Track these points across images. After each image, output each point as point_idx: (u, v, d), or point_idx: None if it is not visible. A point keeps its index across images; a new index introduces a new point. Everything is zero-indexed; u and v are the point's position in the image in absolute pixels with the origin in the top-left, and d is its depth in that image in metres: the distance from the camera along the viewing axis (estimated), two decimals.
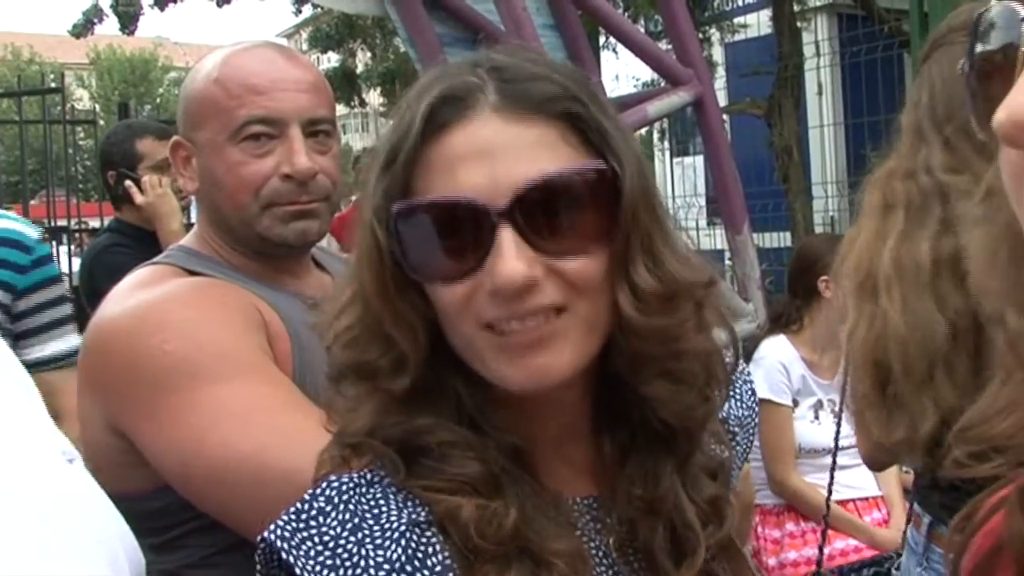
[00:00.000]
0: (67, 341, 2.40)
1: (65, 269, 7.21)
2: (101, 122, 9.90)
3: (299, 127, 1.41)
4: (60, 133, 7.89)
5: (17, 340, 2.35)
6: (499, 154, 0.82)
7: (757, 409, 1.20)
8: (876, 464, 1.92)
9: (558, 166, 0.83)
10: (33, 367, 2.26)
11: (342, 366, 0.89)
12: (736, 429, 1.11)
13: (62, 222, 7.86)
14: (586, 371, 0.88)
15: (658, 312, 0.85)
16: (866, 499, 3.38)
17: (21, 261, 2.35)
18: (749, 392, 1.17)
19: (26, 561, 0.70)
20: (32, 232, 2.43)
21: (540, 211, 0.82)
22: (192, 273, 1.42)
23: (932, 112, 1.67)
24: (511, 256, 0.80)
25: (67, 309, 2.48)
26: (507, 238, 0.81)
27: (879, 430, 1.65)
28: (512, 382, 0.84)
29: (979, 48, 0.55)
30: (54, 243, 7.30)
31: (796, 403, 3.42)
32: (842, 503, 3.33)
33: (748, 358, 3.63)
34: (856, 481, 3.35)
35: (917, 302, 1.58)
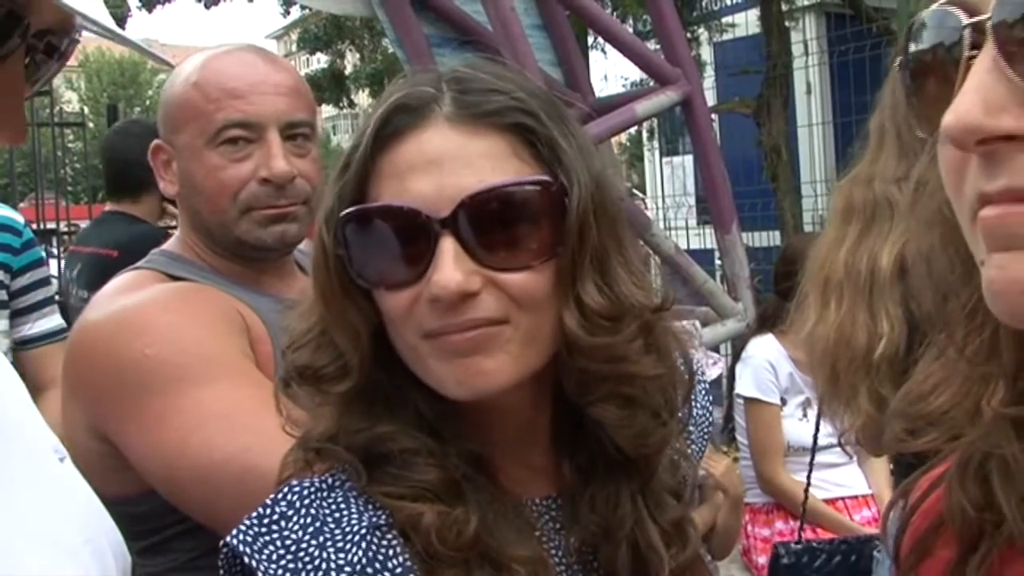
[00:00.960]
0: (54, 320, 2.61)
1: (54, 272, 7.22)
2: (90, 124, 9.87)
3: (277, 131, 1.42)
4: (49, 136, 7.88)
5: (13, 318, 2.56)
6: (447, 163, 0.83)
7: (711, 408, 1.20)
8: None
9: (505, 178, 0.83)
10: (29, 343, 2.56)
11: (289, 369, 0.90)
12: (691, 428, 1.12)
13: (51, 224, 7.85)
14: (537, 385, 0.88)
15: (603, 331, 0.84)
16: (855, 497, 3.39)
17: (14, 243, 2.56)
18: (703, 391, 1.17)
19: (14, 558, 0.70)
20: (18, 216, 2.66)
21: (483, 223, 0.82)
22: (174, 278, 1.42)
23: (894, 114, 1.71)
24: (448, 266, 0.81)
25: (52, 289, 2.70)
26: (447, 248, 0.81)
27: (836, 422, 1.76)
28: (449, 385, 0.84)
29: (912, 47, 0.58)
30: (43, 246, 7.30)
31: (784, 401, 3.44)
32: (831, 501, 3.34)
33: (737, 357, 3.65)
34: (845, 479, 3.36)
35: (855, 309, 1.66)
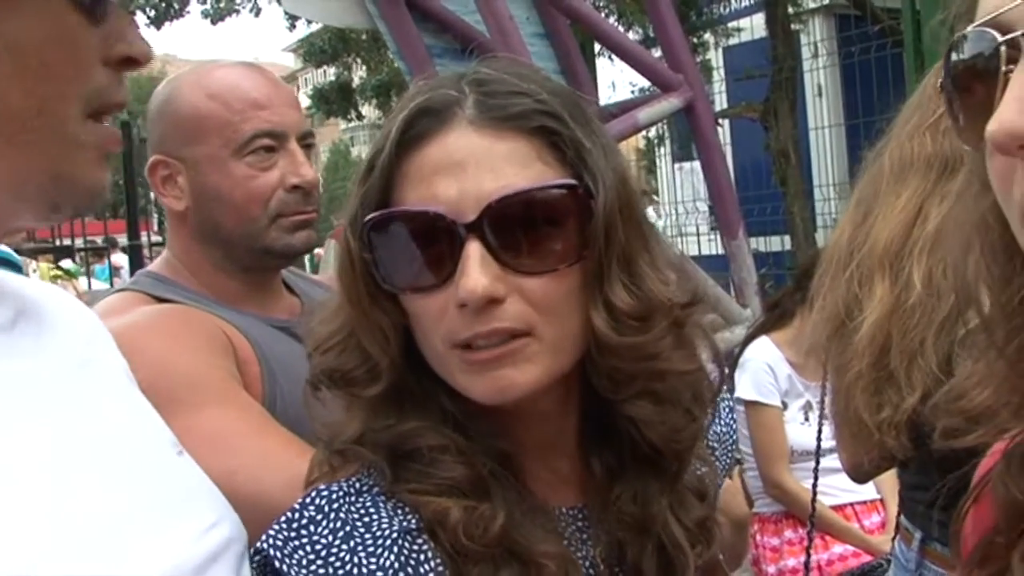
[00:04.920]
0: None
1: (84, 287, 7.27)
2: None
3: (296, 140, 1.46)
4: None
5: None
6: (470, 167, 0.83)
7: (735, 426, 1.20)
8: (859, 474, 1.88)
9: (529, 182, 0.83)
10: None
11: (318, 372, 0.91)
12: (715, 445, 1.11)
13: (67, 241, 7.91)
14: (565, 387, 0.89)
15: (632, 331, 0.85)
16: (864, 503, 3.32)
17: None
18: (727, 409, 1.17)
19: (150, 543, 0.72)
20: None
21: (509, 226, 0.82)
22: (159, 300, 1.42)
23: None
24: (475, 270, 0.81)
25: None
26: (473, 252, 0.82)
27: (867, 411, 1.61)
28: (477, 395, 0.85)
29: (953, 58, 0.61)
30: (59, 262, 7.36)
31: (785, 405, 3.37)
32: (839, 507, 3.29)
33: (736, 362, 3.59)
34: (853, 484, 3.31)
35: (947, 268, 1.50)
